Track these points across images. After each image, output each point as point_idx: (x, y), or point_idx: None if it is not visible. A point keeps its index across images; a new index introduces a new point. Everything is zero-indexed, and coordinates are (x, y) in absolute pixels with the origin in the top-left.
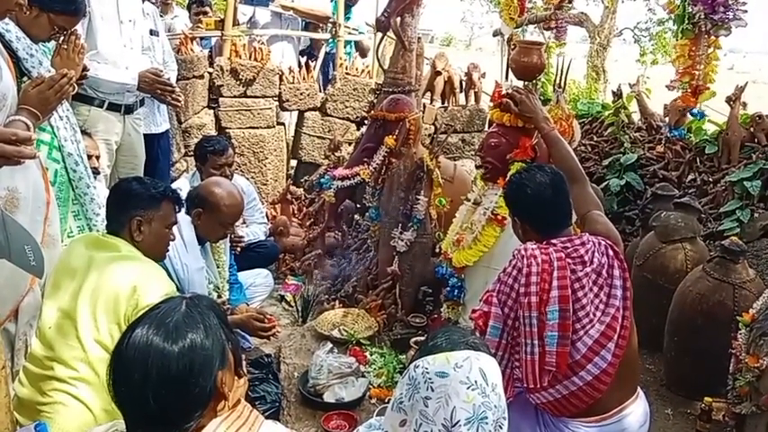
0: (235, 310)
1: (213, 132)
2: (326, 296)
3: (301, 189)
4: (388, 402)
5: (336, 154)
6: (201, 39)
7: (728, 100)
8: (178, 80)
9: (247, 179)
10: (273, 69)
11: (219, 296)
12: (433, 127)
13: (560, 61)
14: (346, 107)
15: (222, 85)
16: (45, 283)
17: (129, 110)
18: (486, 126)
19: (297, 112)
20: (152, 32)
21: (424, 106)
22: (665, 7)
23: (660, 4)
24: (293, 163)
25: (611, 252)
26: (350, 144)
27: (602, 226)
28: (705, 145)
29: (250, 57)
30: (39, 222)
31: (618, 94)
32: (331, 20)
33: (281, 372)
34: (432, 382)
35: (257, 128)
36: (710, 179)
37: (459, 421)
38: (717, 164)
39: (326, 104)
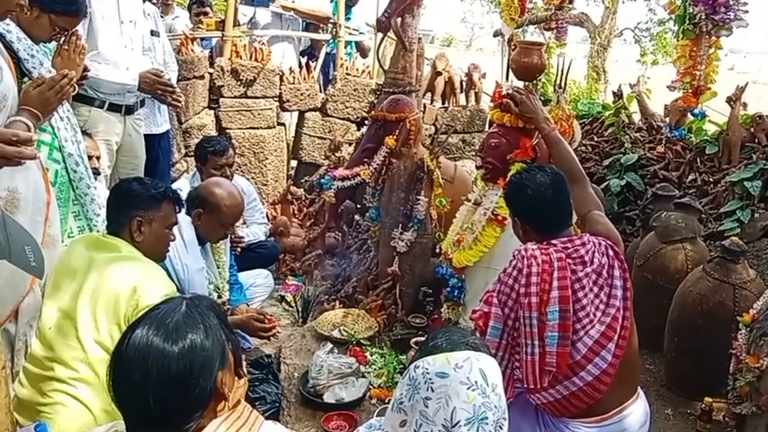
0: (235, 310)
1: (214, 133)
2: (327, 296)
3: (302, 189)
4: (388, 403)
5: (337, 154)
6: (202, 39)
7: (729, 100)
8: (179, 81)
9: (248, 179)
10: (274, 70)
11: (220, 296)
12: (433, 127)
13: (561, 62)
14: (347, 107)
15: (223, 86)
16: (45, 283)
17: (129, 110)
18: (487, 126)
19: (297, 112)
20: (153, 33)
21: (425, 107)
22: (666, 7)
23: (661, 4)
24: (293, 163)
25: (611, 252)
26: (350, 144)
27: (602, 226)
28: (705, 145)
29: (250, 57)
30: (39, 223)
31: (618, 95)
32: (331, 20)
33: (282, 372)
34: (432, 383)
35: (258, 128)
36: (711, 179)
37: (459, 422)
38: (717, 164)
39: (327, 105)
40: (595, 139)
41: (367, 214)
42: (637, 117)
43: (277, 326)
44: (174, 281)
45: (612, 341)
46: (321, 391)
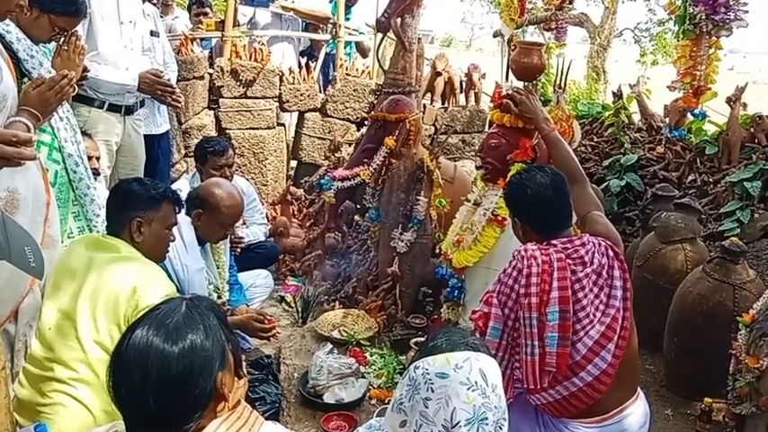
0: (235, 310)
1: (213, 133)
2: (326, 297)
3: (301, 190)
4: (387, 403)
5: (336, 155)
6: (202, 40)
7: (729, 100)
8: (178, 81)
9: (247, 180)
10: (274, 70)
11: (219, 297)
12: (433, 128)
13: (560, 62)
14: (346, 108)
15: (222, 86)
16: (45, 284)
17: (129, 111)
18: (487, 127)
19: (297, 112)
20: (152, 33)
21: (425, 107)
22: (666, 8)
23: (661, 4)
24: (293, 164)
25: (611, 253)
26: (350, 145)
27: (602, 227)
28: (705, 145)
29: (250, 57)
30: (39, 223)
31: (618, 95)
32: (331, 20)
33: (281, 373)
34: (432, 383)
35: (257, 129)
36: (711, 180)
37: (459, 422)
38: (717, 164)
39: (327, 105)
40: (595, 139)
41: (367, 215)
42: (636, 117)
43: (277, 326)
44: (173, 281)
45: (612, 341)
46: (321, 392)
